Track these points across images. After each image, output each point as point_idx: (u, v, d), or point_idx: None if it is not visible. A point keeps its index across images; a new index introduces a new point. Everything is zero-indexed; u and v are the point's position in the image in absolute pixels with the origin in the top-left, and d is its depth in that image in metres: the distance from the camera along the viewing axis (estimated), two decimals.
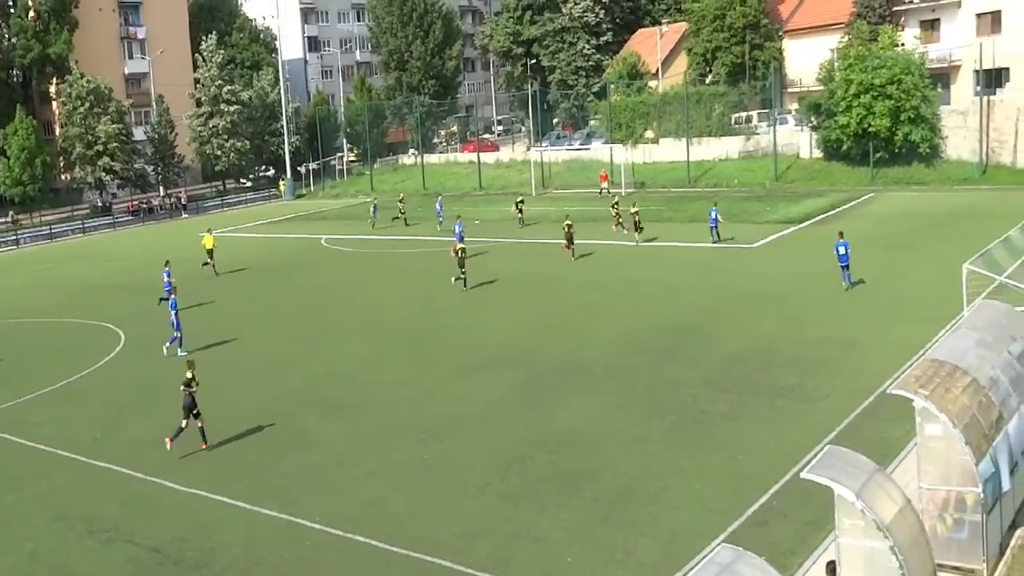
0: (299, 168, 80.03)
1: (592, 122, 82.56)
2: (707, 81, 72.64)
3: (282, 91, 78.60)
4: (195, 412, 19.35)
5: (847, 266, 29.41)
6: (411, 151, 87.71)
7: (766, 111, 67.87)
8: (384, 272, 39.32)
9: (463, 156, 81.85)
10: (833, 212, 46.13)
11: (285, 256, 44.51)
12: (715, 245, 38.94)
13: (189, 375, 19.44)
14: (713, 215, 40.01)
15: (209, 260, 41.01)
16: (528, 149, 75.74)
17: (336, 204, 69.28)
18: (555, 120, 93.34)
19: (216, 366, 25.92)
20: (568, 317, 28.82)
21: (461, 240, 35.39)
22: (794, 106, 69.83)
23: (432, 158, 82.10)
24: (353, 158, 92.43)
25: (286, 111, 78.66)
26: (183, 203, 71.74)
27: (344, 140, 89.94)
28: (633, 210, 41.39)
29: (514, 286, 34.37)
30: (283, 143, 79.38)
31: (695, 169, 62.01)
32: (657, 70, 77.35)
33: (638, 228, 40.62)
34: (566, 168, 68.71)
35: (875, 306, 27.40)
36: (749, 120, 68.17)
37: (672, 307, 29.07)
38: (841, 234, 30.30)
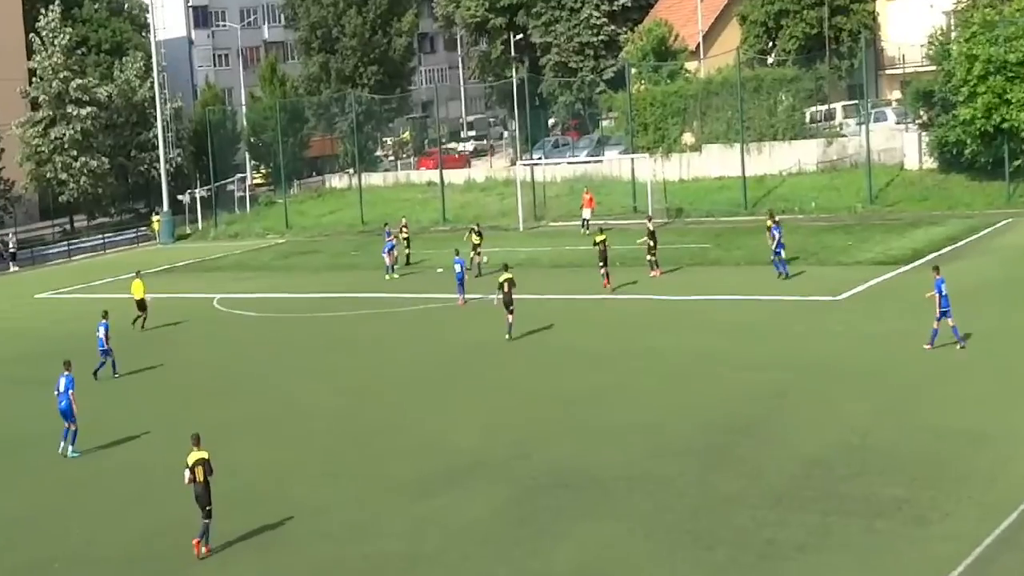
0: (181, 197, 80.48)
1: (605, 123, 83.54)
2: (769, 62, 73.82)
3: (156, 85, 79.41)
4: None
5: (945, 313, 30.15)
6: (343, 170, 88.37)
7: (855, 103, 68.97)
8: (310, 345, 39.52)
9: (419, 175, 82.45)
10: (953, 247, 46.88)
11: (160, 326, 44.49)
12: (782, 279, 39.53)
13: (197, 455, 21.33)
14: (776, 234, 40.42)
15: (141, 314, 43.02)
16: (513, 163, 76.42)
17: (235, 248, 69.77)
18: (551, 121, 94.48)
19: (65, 485, 25.79)
20: (570, 405, 28.88)
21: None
22: (895, 95, 71.02)
23: (374, 178, 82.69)
24: (259, 180, 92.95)
25: (162, 114, 79.40)
26: (9, 250, 71.82)
27: (247, 155, 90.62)
28: (639, 242, 42.61)
29: (495, 360, 34.55)
30: (158, 160, 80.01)
31: (754, 188, 62.73)
32: (697, 47, 78.60)
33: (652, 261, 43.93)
34: (567, 190, 69.38)
35: (1011, 384, 27.61)
36: (831, 116, 69.16)
37: (721, 389, 29.20)
38: (936, 269, 31.05)
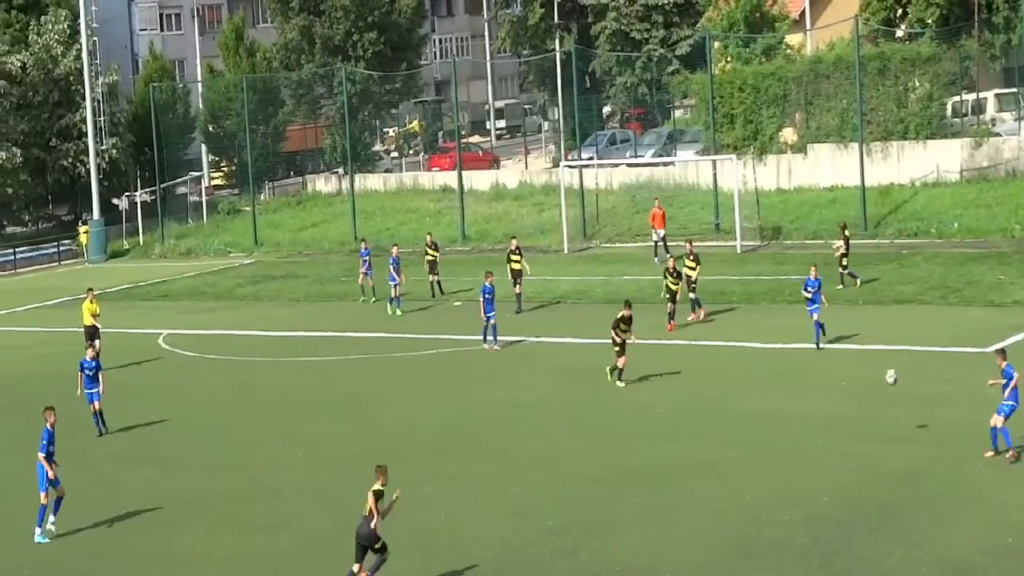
0: (116, 201, 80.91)
1: (678, 112, 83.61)
2: (899, 35, 73.71)
3: (85, 54, 79.62)
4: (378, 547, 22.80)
5: None
6: (331, 170, 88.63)
7: (1012, 92, 68.66)
8: (285, 400, 39.77)
9: (430, 177, 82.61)
10: None
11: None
12: (817, 348, 40.28)
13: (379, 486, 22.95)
14: (814, 284, 40.96)
15: (90, 344, 42.65)
16: (556, 164, 76.53)
17: (187, 270, 70.05)
18: (606, 109, 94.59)
19: None
20: (632, 485, 28.88)
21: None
22: None
23: (371, 181, 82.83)
24: (220, 181, 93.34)
25: (92, 92, 79.67)
26: None
27: (203, 148, 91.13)
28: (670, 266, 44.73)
29: (531, 426, 34.68)
30: (86, 153, 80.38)
31: (877, 203, 62.77)
32: (802, 14, 78.71)
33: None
34: (627, 199, 69.45)
35: None
36: (980, 108, 68.95)
37: (834, 469, 29.13)
38: None
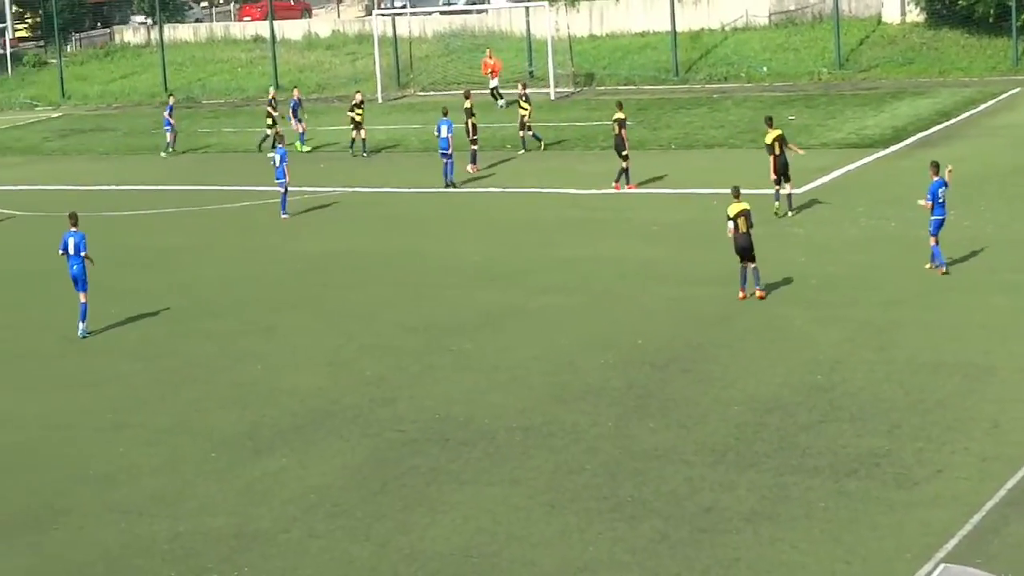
0: None
1: None
2: None
3: None
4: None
5: (939, 226, 29.90)
6: (137, 18, 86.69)
7: None
8: (99, 256, 38.75)
9: (241, 27, 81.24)
10: (944, 125, 47.58)
11: None
12: (449, 190, 41.85)
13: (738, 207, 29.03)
14: (445, 131, 42.83)
15: None
16: (368, 13, 75.66)
17: None
18: None
19: None
20: (448, 335, 29.00)
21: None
22: None
23: (182, 31, 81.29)
24: (24, 33, 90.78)
25: None
26: None
27: None
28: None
29: (349, 277, 34.60)
30: None
31: (688, 48, 63.08)
32: None
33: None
34: (442, 49, 69.15)
35: (1022, 304, 28.14)
36: None
37: (647, 312, 29.45)
38: (936, 167, 30.39)
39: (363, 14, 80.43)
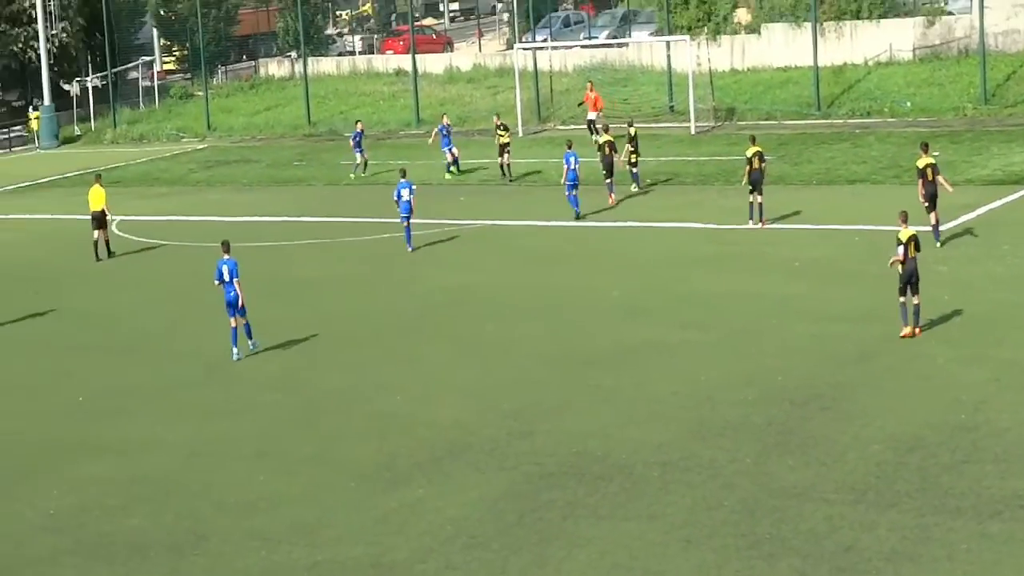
0: (67, 87, 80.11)
1: None
2: None
3: None
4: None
5: None
6: (284, 53, 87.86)
7: None
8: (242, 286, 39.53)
9: (384, 61, 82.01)
10: None
11: (39, 258, 44.32)
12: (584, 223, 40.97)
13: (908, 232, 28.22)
14: (573, 162, 42.42)
15: (100, 232, 43.85)
16: (510, 47, 75.97)
17: (139, 155, 69.48)
18: None
19: None
20: (588, 368, 28.95)
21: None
22: None
23: (325, 64, 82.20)
24: (172, 66, 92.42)
25: None
26: None
27: (155, 32, 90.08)
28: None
29: (488, 309, 34.67)
30: (36, 38, 79.35)
31: (830, 83, 62.63)
32: None
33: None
34: (581, 83, 68.82)
35: None
36: None
37: (788, 349, 29.24)
38: None
39: (504, 48, 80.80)
